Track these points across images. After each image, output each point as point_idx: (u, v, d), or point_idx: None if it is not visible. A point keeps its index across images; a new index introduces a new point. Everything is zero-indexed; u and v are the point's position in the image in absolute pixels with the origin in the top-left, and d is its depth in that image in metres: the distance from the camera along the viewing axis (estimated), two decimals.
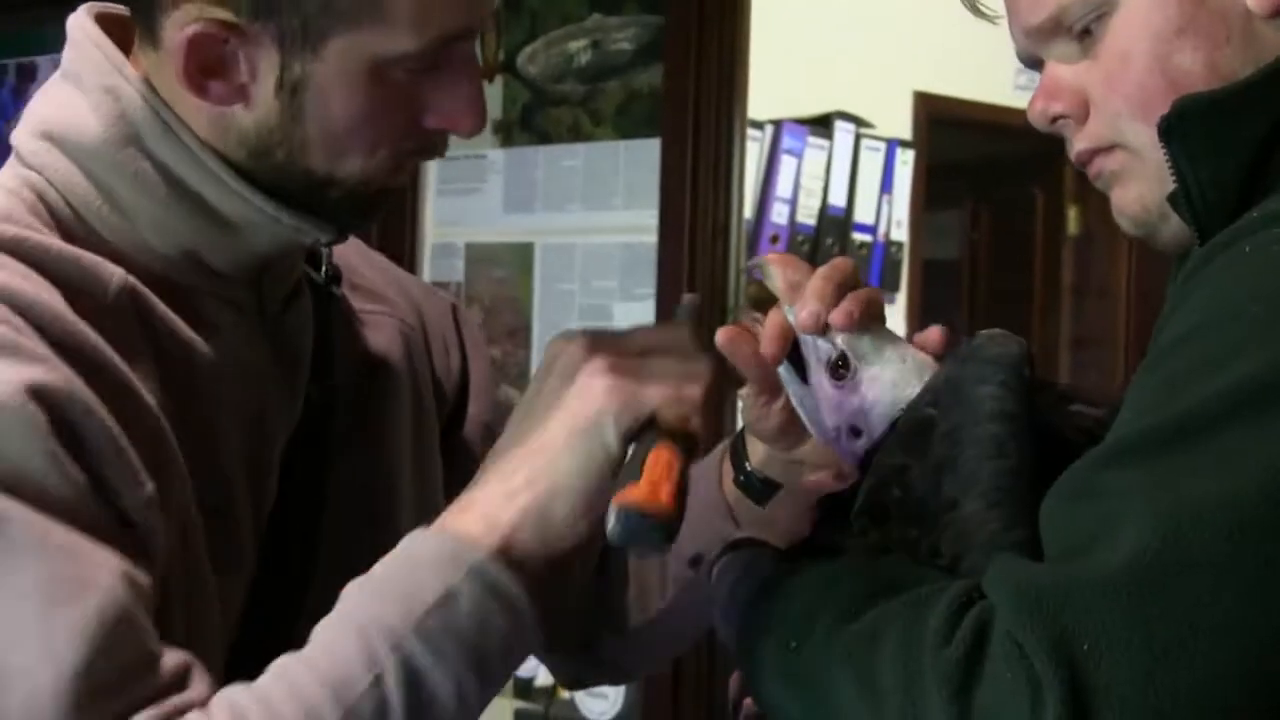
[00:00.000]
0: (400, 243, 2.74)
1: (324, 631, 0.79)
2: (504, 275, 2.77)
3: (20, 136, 0.90)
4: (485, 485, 0.83)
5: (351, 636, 0.78)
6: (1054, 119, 0.86)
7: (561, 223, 2.69)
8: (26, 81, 3.29)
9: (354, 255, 1.07)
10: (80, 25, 0.90)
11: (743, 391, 0.95)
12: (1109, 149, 0.85)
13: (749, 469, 1.00)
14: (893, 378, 0.86)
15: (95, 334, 0.82)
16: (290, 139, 0.87)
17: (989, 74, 3.55)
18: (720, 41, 2.53)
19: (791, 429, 0.93)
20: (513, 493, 0.82)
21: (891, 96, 3.62)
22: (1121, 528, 0.66)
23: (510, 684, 2.76)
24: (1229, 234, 0.75)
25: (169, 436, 0.84)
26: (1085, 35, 0.84)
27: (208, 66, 0.85)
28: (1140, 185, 0.85)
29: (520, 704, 2.75)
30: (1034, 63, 0.89)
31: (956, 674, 0.66)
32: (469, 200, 2.82)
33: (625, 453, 0.82)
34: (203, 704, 0.77)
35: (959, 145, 3.96)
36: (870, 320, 0.88)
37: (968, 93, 3.74)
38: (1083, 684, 0.63)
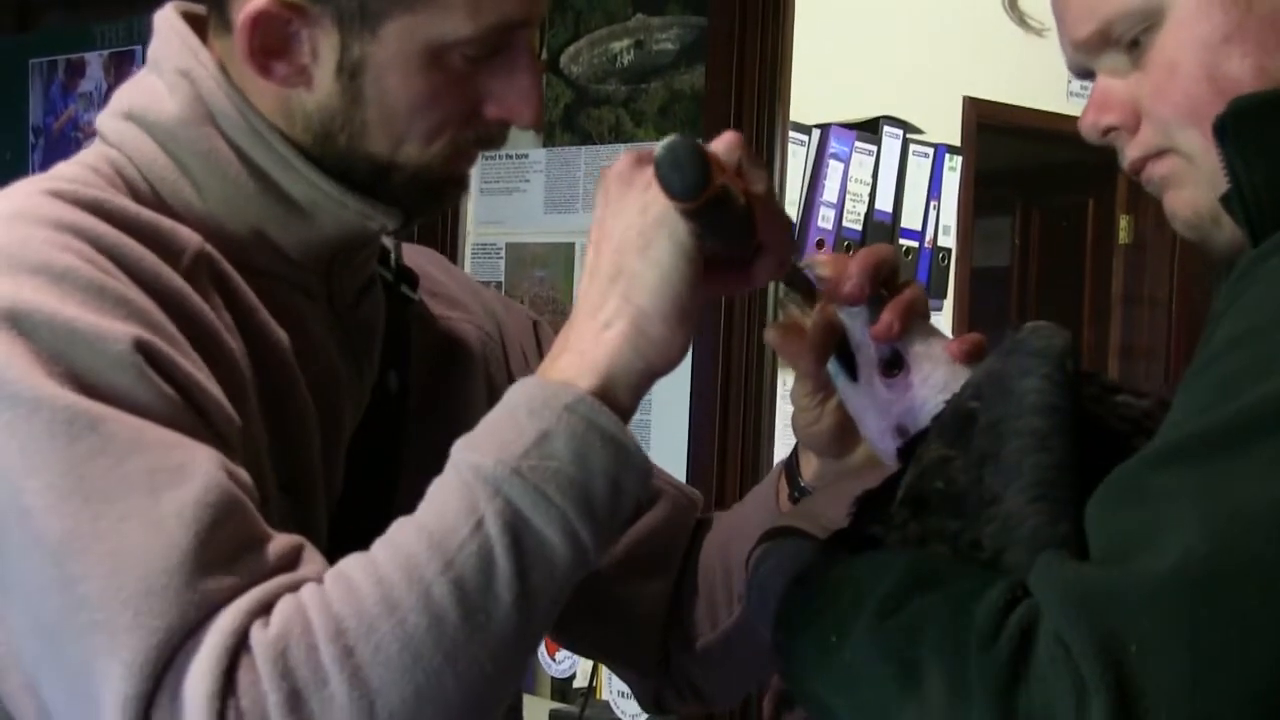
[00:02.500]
0: (441, 242, 2.74)
1: (430, 491, 0.79)
2: (544, 275, 2.76)
3: (103, 118, 0.93)
4: (575, 325, 0.82)
5: (452, 486, 0.77)
6: (1106, 131, 0.87)
7: None
8: (76, 78, 3.33)
9: (432, 266, 1.11)
10: (164, 17, 0.94)
11: (794, 394, 0.96)
12: (1160, 154, 0.85)
13: (803, 484, 1.01)
14: (944, 379, 0.86)
15: (182, 281, 0.84)
16: (351, 122, 0.89)
17: (1041, 80, 3.52)
18: (763, 43, 2.52)
19: (843, 433, 0.94)
20: (606, 323, 0.81)
21: (941, 101, 3.59)
22: (1170, 531, 0.65)
23: (547, 684, 2.76)
24: None
25: (251, 395, 0.86)
26: (1134, 47, 0.84)
27: (271, 46, 0.87)
28: (1192, 190, 0.85)
29: (556, 705, 2.74)
30: (1085, 73, 0.89)
31: (1002, 674, 0.66)
32: (510, 200, 2.82)
33: (699, 245, 0.80)
34: (316, 580, 0.76)
35: (1009, 151, 3.92)
36: (916, 318, 0.89)
37: (1018, 99, 3.70)
38: (1129, 687, 0.63)
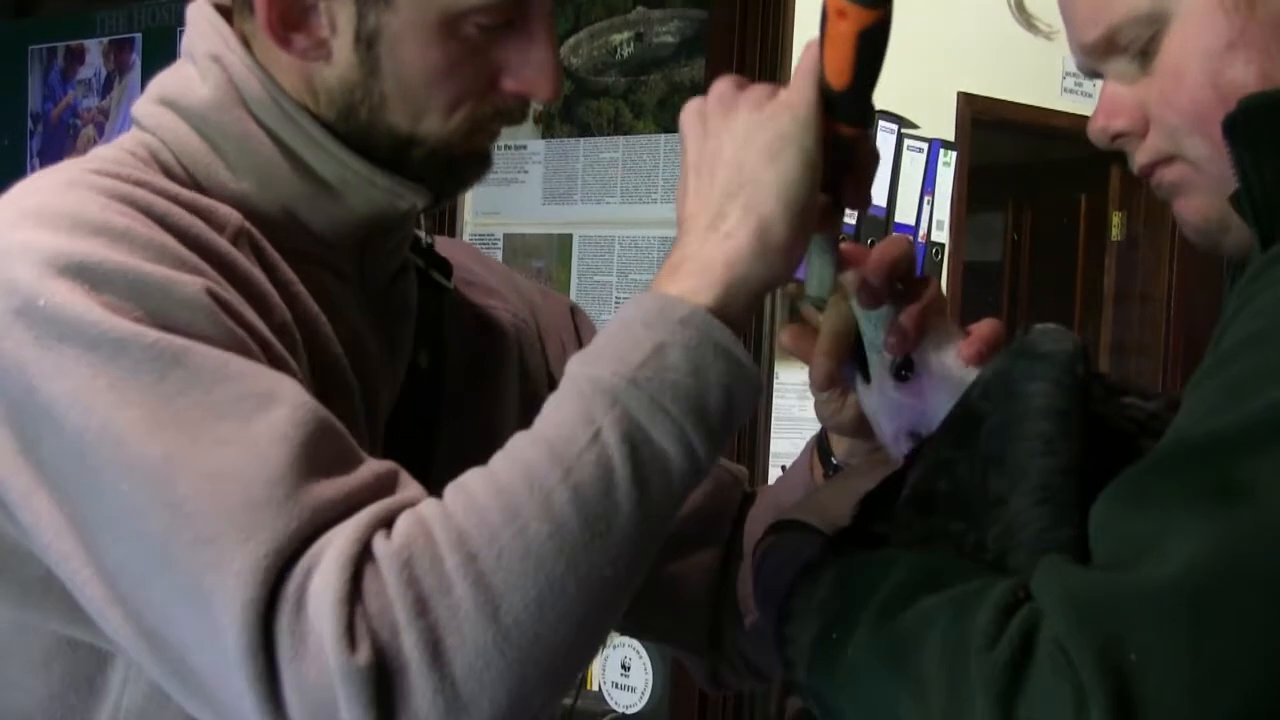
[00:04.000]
0: (439, 232, 2.74)
1: (548, 404, 0.79)
2: (541, 266, 2.77)
3: (139, 105, 0.94)
4: (691, 238, 0.82)
5: (569, 399, 0.78)
6: (1115, 136, 0.87)
7: (600, 215, 2.68)
8: (75, 64, 3.31)
9: (467, 257, 1.11)
10: (197, 7, 0.96)
11: (814, 389, 0.96)
12: (1169, 160, 0.85)
13: (835, 462, 1.01)
14: (956, 386, 0.85)
15: (230, 246, 0.85)
16: (371, 94, 0.89)
17: (1035, 76, 3.52)
18: (763, 36, 2.52)
19: (866, 422, 0.94)
20: (728, 233, 0.81)
21: (935, 96, 3.59)
22: (1175, 538, 0.65)
23: None
24: None
25: (303, 357, 0.86)
26: (1141, 52, 0.84)
27: (289, 19, 0.89)
28: (1201, 196, 0.85)
29: None
30: (1096, 75, 0.89)
31: (1002, 678, 0.65)
32: (509, 191, 2.82)
33: (820, 154, 0.81)
34: (421, 500, 0.77)
35: (1003, 147, 3.93)
36: (934, 317, 0.89)
37: (1013, 94, 3.71)
38: (1129, 696, 0.62)
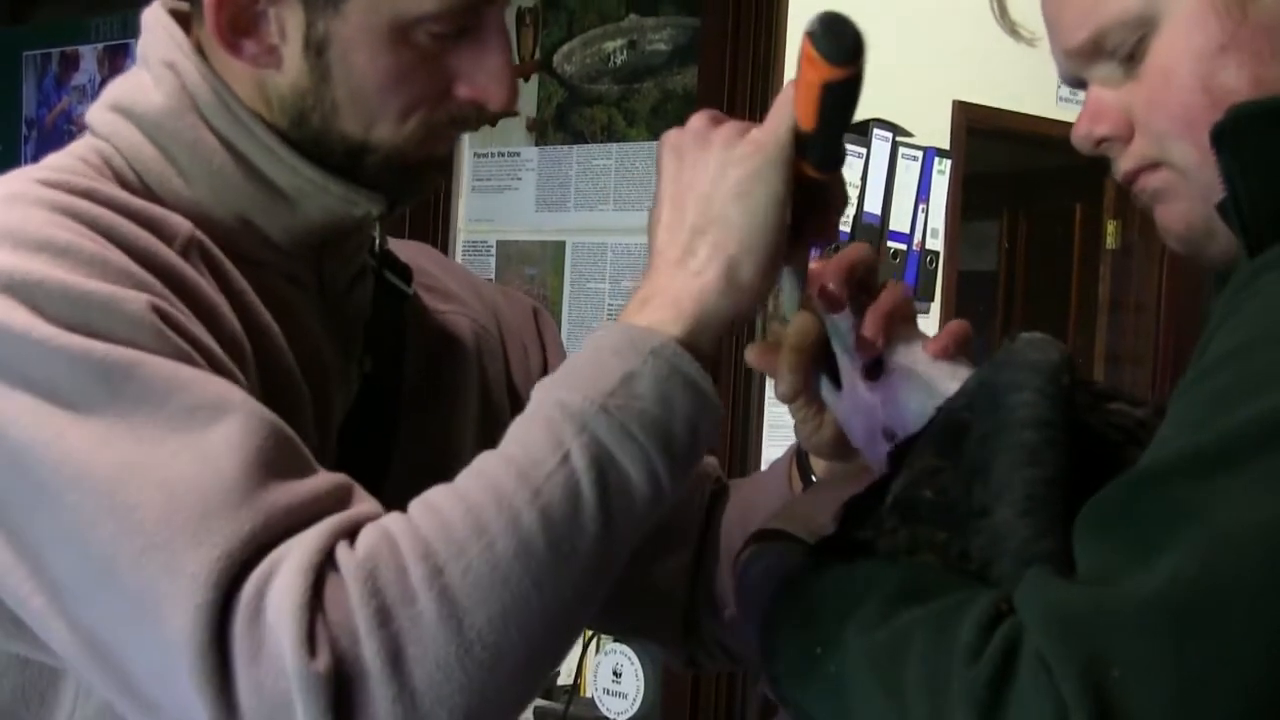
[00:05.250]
0: (432, 239, 2.74)
1: (515, 426, 0.80)
2: (534, 273, 2.77)
3: (92, 111, 0.94)
4: (661, 273, 0.84)
5: (538, 421, 0.79)
6: (1099, 142, 0.86)
7: (593, 222, 2.68)
8: (69, 70, 3.32)
9: (428, 261, 1.11)
10: (152, 12, 0.95)
11: (790, 409, 0.96)
12: (1154, 166, 0.84)
13: (814, 479, 1.02)
14: (928, 380, 0.85)
15: (179, 259, 0.85)
16: (322, 101, 0.89)
17: (1030, 85, 3.52)
18: (756, 44, 2.53)
19: (845, 441, 0.94)
20: (698, 270, 0.83)
21: (930, 105, 3.60)
22: (1158, 552, 0.64)
23: None
24: (1279, 250, 0.73)
25: (252, 374, 0.86)
26: (1127, 56, 0.83)
27: (239, 24, 0.88)
28: (1185, 203, 0.84)
29: (540, 702, 2.75)
30: (1077, 82, 0.88)
31: (984, 693, 0.65)
32: (502, 198, 2.82)
33: (790, 193, 0.83)
34: (379, 514, 0.77)
35: (998, 156, 3.93)
36: (901, 323, 0.89)
37: (1008, 103, 3.71)
38: (1111, 711, 0.62)
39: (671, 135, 0.87)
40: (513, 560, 0.74)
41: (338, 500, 0.77)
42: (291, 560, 0.72)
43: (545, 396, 0.80)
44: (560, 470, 0.76)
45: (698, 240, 0.83)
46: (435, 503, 0.77)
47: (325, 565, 0.72)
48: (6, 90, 3.43)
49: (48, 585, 0.76)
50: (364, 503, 0.79)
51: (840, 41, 0.80)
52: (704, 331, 0.82)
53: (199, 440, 0.75)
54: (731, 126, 0.86)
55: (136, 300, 0.78)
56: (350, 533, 0.75)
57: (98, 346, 0.76)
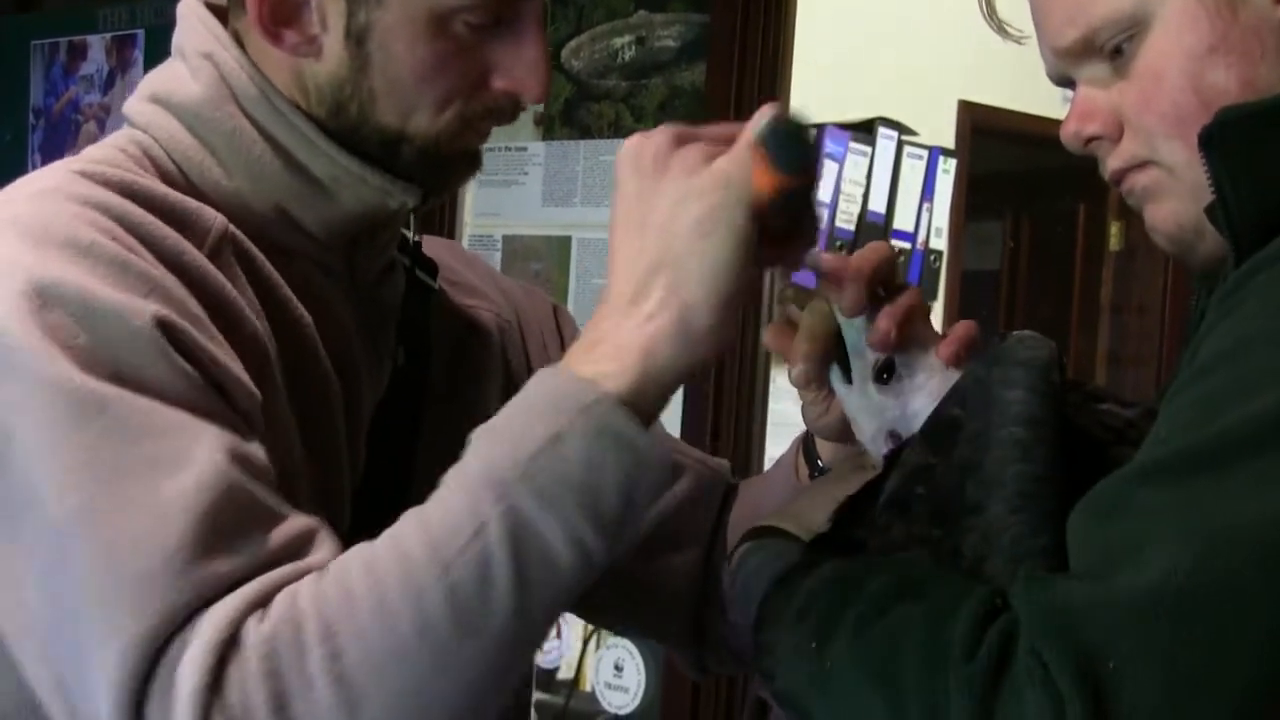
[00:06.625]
0: (438, 234, 2.74)
1: (444, 480, 0.78)
2: (541, 268, 2.77)
3: (131, 103, 0.95)
4: (612, 312, 0.80)
5: (461, 487, 0.76)
6: (1088, 141, 0.86)
7: (600, 217, 2.69)
8: (77, 60, 3.32)
9: (452, 257, 1.11)
10: (186, 4, 0.96)
11: (799, 391, 0.96)
12: (1142, 166, 0.84)
13: (820, 464, 1.02)
14: (938, 388, 0.85)
15: (205, 259, 0.85)
16: (360, 91, 0.90)
17: (1035, 84, 3.50)
18: (764, 42, 2.53)
19: (850, 428, 0.94)
20: (649, 314, 0.78)
21: (935, 104, 3.60)
22: (1152, 548, 0.65)
23: (532, 676, 2.77)
24: (1272, 251, 0.74)
25: (276, 371, 0.86)
26: (1117, 55, 0.83)
27: (281, 14, 0.89)
28: (1174, 202, 0.84)
29: (541, 695, 2.76)
30: (1066, 82, 0.88)
31: (979, 688, 0.66)
32: (508, 192, 2.82)
33: (755, 237, 0.78)
34: (321, 569, 0.76)
35: (1002, 155, 3.93)
36: (914, 325, 0.89)
37: (1013, 103, 3.71)
38: (1106, 705, 0.62)
39: (632, 145, 0.82)
40: (413, 640, 0.73)
41: (291, 553, 0.76)
42: (200, 638, 0.72)
43: (474, 455, 0.77)
44: (473, 544, 0.74)
45: (653, 279, 0.79)
46: (348, 570, 0.75)
47: (229, 644, 0.72)
48: (14, 79, 3.42)
49: (23, 606, 0.76)
50: (320, 550, 0.77)
51: (788, 153, 0.78)
52: (649, 385, 0.78)
53: (152, 493, 0.74)
54: (694, 152, 0.80)
55: (143, 314, 0.78)
56: (266, 599, 0.74)
57: (75, 377, 0.75)
